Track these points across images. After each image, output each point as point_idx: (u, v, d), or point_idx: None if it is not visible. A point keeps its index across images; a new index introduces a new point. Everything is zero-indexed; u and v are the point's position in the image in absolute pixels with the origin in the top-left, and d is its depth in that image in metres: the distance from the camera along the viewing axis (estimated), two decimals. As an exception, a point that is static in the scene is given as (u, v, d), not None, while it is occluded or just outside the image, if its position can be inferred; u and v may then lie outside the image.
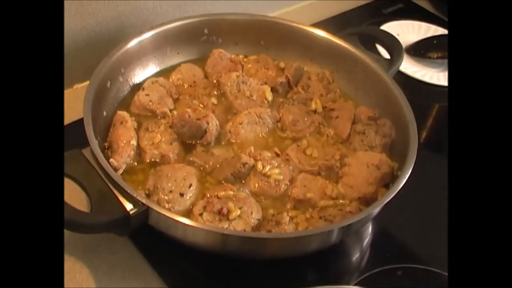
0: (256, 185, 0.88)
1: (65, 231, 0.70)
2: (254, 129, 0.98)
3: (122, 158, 0.87)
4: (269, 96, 1.03)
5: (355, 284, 0.86)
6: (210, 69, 1.08)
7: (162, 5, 1.16)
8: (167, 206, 0.83)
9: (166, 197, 0.83)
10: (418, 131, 0.92)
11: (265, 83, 1.06)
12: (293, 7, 1.41)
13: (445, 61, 1.33)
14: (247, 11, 1.16)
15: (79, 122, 0.83)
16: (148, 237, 0.83)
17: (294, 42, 1.13)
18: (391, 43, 1.12)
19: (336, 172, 0.93)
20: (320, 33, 1.11)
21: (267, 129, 0.99)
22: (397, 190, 0.82)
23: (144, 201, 0.76)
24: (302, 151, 0.95)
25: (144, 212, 0.76)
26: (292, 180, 0.90)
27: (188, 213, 0.83)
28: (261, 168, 0.89)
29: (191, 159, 0.91)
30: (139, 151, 0.91)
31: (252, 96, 1.03)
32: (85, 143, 0.81)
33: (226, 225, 0.81)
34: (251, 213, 0.83)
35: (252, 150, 0.92)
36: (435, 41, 1.37)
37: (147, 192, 0.84)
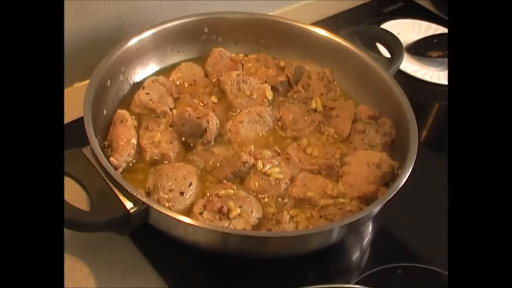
0: (257, 184, 0.88)
1: (65, 230, 0.70)
2: (254, 128, 0.98)
3: (122, 157, 0.87)
4: (269, 95, 1.03)
5: (355, 283, 0.86)
6: (210, 68, 1.08)
7: (162, 4, 1.16)
8: (167, 205, 0.83)
9: (166, 196, 0.83)
10: (419, 130, 0.92)
11: (265, 82, 1.06)
12: (293, 6, 1.41)
13: (446, 60, 1.33)
14: (247, 10, 1.16)
15: (79, 121, 0.83)
16: (148, 236, 0.83)
17: (294, 41, 1.13)
18: (392, 42, 1.12)
19: (336, 171, 0.93)
20: (321, 32, 1.11)
21: (267, 128, 0.99)
22: (397, 189, 0.82)
23: (144, 200, 0.76)
24: (302, 150, 0.95)
25: (144, 211, 0.76)
26: (292, 179, 0.90)
27: (188, 212, 0.83)
28: (261, 167, 0.89)
29: (191, 158, 0.91)
30: (139, 150, 0.91)
31: (252, 95, 1.03)
32: (85, 141, 0.81)
33: (226, 224, 0.81)
34: (251, 212, 0.83)
35: (252, 149, 0.92)
36: (435, 40, 1.37)
37: (147, 191, 0.84)
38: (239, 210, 0.82)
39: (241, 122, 0.96)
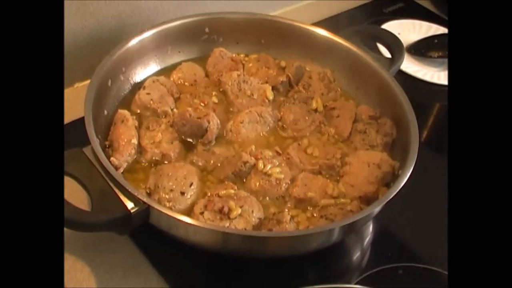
0: (257, 184, 0.88)
1: (66, 229, 0.70)
2: (255, 128, 0.98)
3: (123, 157, 0.87)
4: (270, 95, 1.03)
5: (356, 283, 0.86)
6: (211, 68, 1.08)
7: (163, 4, 1.16)
8: (168, 205, 0.83)
9: (167, 196, 0.83)
10: (419, 130, 0.92)
11: (266, 82, 1.06)
12: (293, 6, 1.41)
13: (446, 60, 1.33)
14: (248, 10, 1.16)
15: (80, 121, 0.83)
16: (149, 236, 0.83)
17: (295, 41, 1.13)
18: (392, 42, 1.12)
19: (337, 171, 0.93)
20: (321, 32, 1.11)
21: (268, 128, 0.99)
22: (398, 189, 0.82)
23: (145, 199, 0.76)
24: (303, 150, 0.95)
25: (145, 210, 0.77)
26: (293, 179, 0.90)
27: (189, 212, 0.83)
28: (262, 167, 0.89)
29: (192, 158, 0.91)
30: (140, 150, 0.91)
31: (253, 95, 1.03)
32: (86, 141, 0.81)
33: (227, 224, 0.81)
34: (252, 211, 0.83)
35: (253, 149, 0.92)
36: (436, 40, 1.37)
37: (148, 191, 0.84)
38: (239, 210, 0.82)
39: (241, 122, 0.96)
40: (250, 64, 1.10)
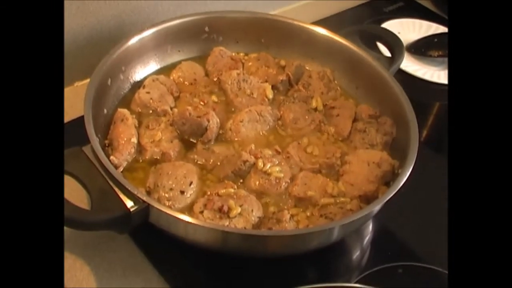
0: (257, 183, 0.88)
1: (65, 228, 0.70)
2: (254, 127, 0.98)
3: (123, 156, 0.87)
4: (270, 94, 1.03)
5: (356, 282, 0.86)
6: (211, 67, 1.08)
7: (163, 3, 1.16)
8: (167, 204, 0.83)
9: (166, 195, 0.83)
10: (419, 129, 0.92)
11: (266, 81, 1.06)
12: (293, 5, 1.41)
13: (446, 59, 1.33)
14: (248, 9, 1.16)
15: (80, 120, 0.83)
16: (149, 235, 0.83)
17: (295, 40, 1.13)
18: (392, 41, 1.12)
19: (336, 170, 0.93)
20: (321, 31, 1.11)
21: (268, 127, 0.99)
22: (398, 188, 0.82)
23: (144, 198, 0.76)
24: (303, 149, 0.95)
25: (145, 209, 0.77)
26: (292, 178, 0.90)
27: (188, 211, 0.83)
28: (262, 166, 0.89)
29: (192, 156, 0.91)
30: (140, 149, 0.91)
31: (252, 94, 1.03)
32: (86, 140, 0.81)
33: (227, 223, 0.81)
34: (252, 210, 0.83)
35: (253, 148, 0.92)
36: (435, 40, 1.37)
37: (147, 190, 0.84)
38: (239, 209, 0.82)
39: (241, 121, 0.96)
40: (250, 63, 1.11)
